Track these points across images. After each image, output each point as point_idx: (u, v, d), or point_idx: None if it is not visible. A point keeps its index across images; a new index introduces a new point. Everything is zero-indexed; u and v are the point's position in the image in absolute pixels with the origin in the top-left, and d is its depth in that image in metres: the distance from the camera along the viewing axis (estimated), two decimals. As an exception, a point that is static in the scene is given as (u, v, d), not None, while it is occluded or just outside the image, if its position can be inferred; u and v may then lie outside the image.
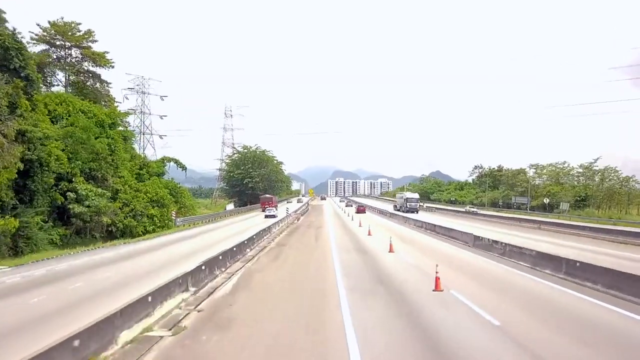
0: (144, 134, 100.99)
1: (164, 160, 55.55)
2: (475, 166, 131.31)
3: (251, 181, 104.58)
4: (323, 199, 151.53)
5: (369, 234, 34.60)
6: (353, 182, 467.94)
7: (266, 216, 58.80)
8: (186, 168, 57.68)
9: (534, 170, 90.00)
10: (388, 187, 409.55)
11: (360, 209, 73.72)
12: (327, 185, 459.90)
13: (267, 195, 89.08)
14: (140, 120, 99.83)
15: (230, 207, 76.98)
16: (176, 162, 56.14)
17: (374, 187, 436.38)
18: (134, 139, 78.08)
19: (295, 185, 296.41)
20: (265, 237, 32.90)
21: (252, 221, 55.98)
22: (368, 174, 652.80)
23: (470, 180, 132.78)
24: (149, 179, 49.10)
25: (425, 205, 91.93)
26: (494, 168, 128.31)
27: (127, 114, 58.45)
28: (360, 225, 44.18)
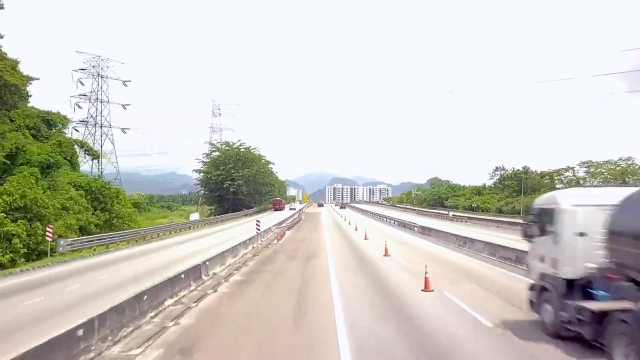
0: (102, 126, 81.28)
1: (60, 144, 35.34)
2: (497, 167, 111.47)
3: (232, 184, 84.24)
4: (320, 205, 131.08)
5: (427, 288, 14.18)
6: (352, 189, 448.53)
7: (290, 209, 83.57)
8: (99, 156, 37.65)
9: (586, 169, 70.10)
10: (387, 193, 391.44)
11: (342, 206, 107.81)
12: (325, 192, 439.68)
13: (277, 198, 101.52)
14: (96, 108, 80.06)
15: (195, 216, 56.83)
16: (82, 145, 35.97)
17: (373, 194, 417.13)
18: (69, 127, 58.19)
19: (292, 192, 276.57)
20: (176, 296, 12.75)
21: (211, 239, 35.87)
22: (366, 181, 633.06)
23: (490, 183, 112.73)
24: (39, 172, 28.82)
25: (451, 213, 71.78)
26: (518, 169, 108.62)
27: (26, 77, 38.01)
28: (386, 254, 23.78)
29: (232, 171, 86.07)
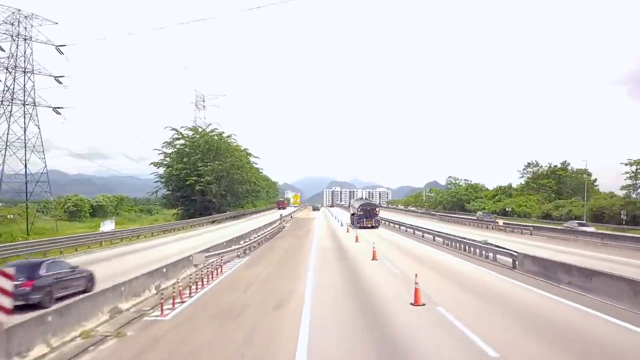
0: (25, 104, 59.97)
1: None
2: (529, 163, 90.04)
3: (198, 181, 62.65)
4: (316, 209, 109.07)
5: None
6: (350, 192, 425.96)
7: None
8: None
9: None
10: (387, 197, 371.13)
11: (331, 205, 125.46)
12: (323, 195, 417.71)
13: (281, 199, 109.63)
14: (14, 79, 58.67)
15: (108, 226, 35.07)
16: None
17: (372, 197, 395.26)
18: None
19: (290, 195, 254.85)
20: None
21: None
22: (364, 184, 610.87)
23: (519, 182, 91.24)
24: None
25: (501, 221, 50.26)
26: (555, 165, 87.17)
27: None
28: None
29: (199, 164, 64.58)
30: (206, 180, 63.03)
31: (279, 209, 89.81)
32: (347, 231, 39.76)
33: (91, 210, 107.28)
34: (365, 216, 44.45)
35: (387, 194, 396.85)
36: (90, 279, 13.94)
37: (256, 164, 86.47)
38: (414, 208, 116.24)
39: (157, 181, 70.20)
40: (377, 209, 47.75)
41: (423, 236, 32.54)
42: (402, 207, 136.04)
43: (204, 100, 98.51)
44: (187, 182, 62.67)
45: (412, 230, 36.75)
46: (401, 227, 41.59)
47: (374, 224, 43.92)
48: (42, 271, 12.01)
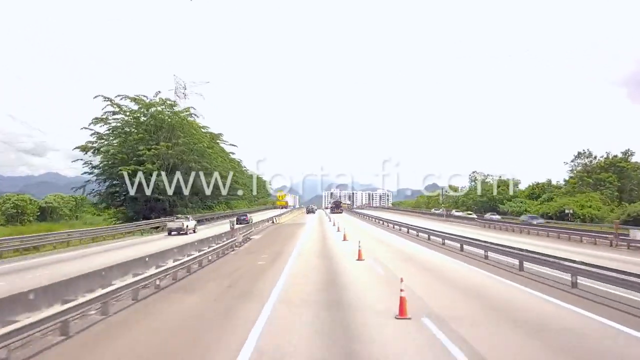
0: None
1: None
2: (579, 153, 69.67)
3: (136, 170, 42.44)
4: (310, 211, 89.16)
5: None
6: (350, 194, 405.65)
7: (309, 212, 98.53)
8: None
9: None
10: (388, 198, 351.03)
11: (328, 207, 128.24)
12: (322, 197, 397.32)
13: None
14: None
15: None
16: None
17: (373, 199, 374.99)
18: None
19: (288, 199, 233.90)
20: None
21: None
22: (364, 186, 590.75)
23: (565, 176, 71.16)
24: None
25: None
26: (615, 156, 66.99)
27: None
28: None
29: (141, 148, 44.44)
30: (147, 169, 42.79)
31: (281, 208, 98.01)
32: (343, 237, 30.99)
33: (39, 213, 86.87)
34: (335, 207, 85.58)
35: (388, 195, 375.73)
36: (251, 220, 44.57)
37: (234, 153, 66.38)
38: (424, 209, 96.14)
39: (85, 172, 50.00)
40: (342, 204, 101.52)
41: (575, 283, 12.20)
42: (412, 209, 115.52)
43: (185, 88, 78.41)
44: (118, 173, 42.48)
45: (517, 261, 16.10)
46: (481, 248, 21.07)
47: (340, 211, 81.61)
48: (247, 215, 47.92)
